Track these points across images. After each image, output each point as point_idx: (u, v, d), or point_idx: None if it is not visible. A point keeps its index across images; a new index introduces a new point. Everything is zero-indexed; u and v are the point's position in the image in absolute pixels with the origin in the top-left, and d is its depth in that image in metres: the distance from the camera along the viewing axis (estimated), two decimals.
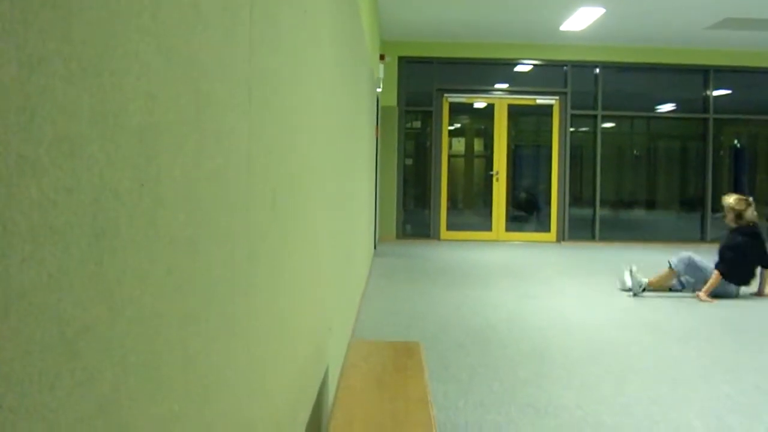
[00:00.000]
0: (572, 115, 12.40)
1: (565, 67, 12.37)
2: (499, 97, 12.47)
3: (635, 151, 12.98)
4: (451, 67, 12.33)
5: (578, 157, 12.61)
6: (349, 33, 3.80)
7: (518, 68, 12.50)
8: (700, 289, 6.94)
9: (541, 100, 12.46)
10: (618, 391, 3.85)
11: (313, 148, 2.23)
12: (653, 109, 12.75)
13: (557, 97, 12.40)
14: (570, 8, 9.62)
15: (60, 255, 0.60)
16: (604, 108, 12.42)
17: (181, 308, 0.92)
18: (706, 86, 12.55)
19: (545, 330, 5.33)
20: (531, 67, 12.45)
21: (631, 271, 7.10)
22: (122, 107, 0.72)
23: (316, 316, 2.45)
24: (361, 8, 5.20)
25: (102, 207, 0.68)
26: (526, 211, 12.72)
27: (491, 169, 12.49)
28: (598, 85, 12.40)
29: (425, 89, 12.34)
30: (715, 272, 6.92)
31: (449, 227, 12.42)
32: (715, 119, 12.54)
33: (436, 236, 12.31)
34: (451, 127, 12.53)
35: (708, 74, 12.48)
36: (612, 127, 12.79)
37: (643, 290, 7.03)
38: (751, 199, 7.32)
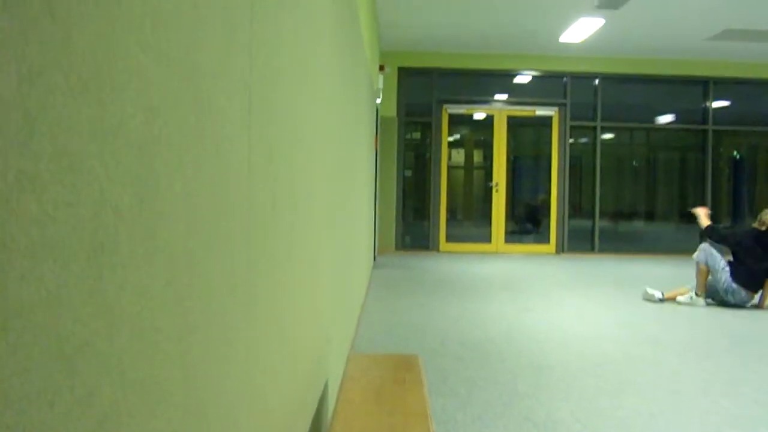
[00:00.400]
0: (572, 127, 12.42)
1: (564, 79, 12.40)
2: (498, 108, 12.49)
3: (635, 163, 12.99)
4: (451, 77, 12.35)
5: (578, 169, 12.62)
6: (348, 43, 3.80)
7: (518, 79, 12.52)
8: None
9: (540, 112, 12.48)
10: (616, 404, 3.83)
11: (313, 158, 2.22)
12: (653, 121, 12.77)
13: (557, 109, 12.42)
14: (570, 19, 9.65)
15: (59, 271, 0.59)
16: (603, 119, 12.44)
17: (180, 322, 0.91)
18: (705, 97, 12.57)
19: (544, 343, 5.32)
20: (530, 78, 12.48)
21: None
22: (122, 121, 0.72)
23: (316, 329, 2.44)
24: (360, 18, 5.21)
25: (102, 222, 0.67)
26: (526, 222, 12.73)
27: (491, 181, 12.49)
28: (598, 96, 12.42)
29: (425, 100, 12.35)
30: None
31: (448, 239, 12.41)
32: (714, 130, 12.56)
33: (436, 248, 12.30)
34: (451, 138, 12.54)
35: (707, 85, 12.51)
36: (611, 139, 12.81)
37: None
38: None
